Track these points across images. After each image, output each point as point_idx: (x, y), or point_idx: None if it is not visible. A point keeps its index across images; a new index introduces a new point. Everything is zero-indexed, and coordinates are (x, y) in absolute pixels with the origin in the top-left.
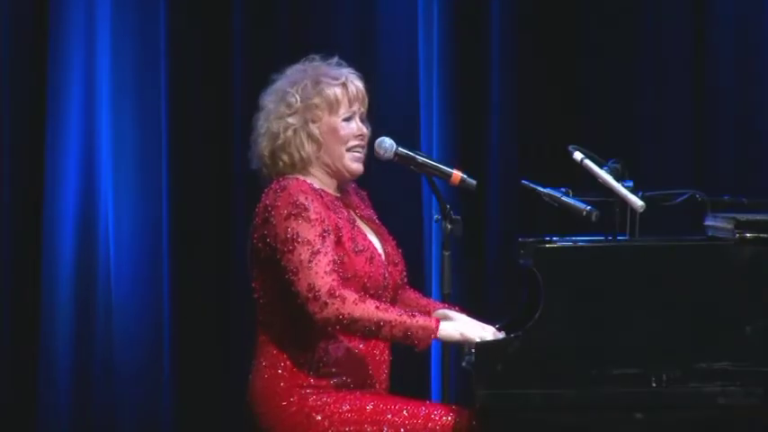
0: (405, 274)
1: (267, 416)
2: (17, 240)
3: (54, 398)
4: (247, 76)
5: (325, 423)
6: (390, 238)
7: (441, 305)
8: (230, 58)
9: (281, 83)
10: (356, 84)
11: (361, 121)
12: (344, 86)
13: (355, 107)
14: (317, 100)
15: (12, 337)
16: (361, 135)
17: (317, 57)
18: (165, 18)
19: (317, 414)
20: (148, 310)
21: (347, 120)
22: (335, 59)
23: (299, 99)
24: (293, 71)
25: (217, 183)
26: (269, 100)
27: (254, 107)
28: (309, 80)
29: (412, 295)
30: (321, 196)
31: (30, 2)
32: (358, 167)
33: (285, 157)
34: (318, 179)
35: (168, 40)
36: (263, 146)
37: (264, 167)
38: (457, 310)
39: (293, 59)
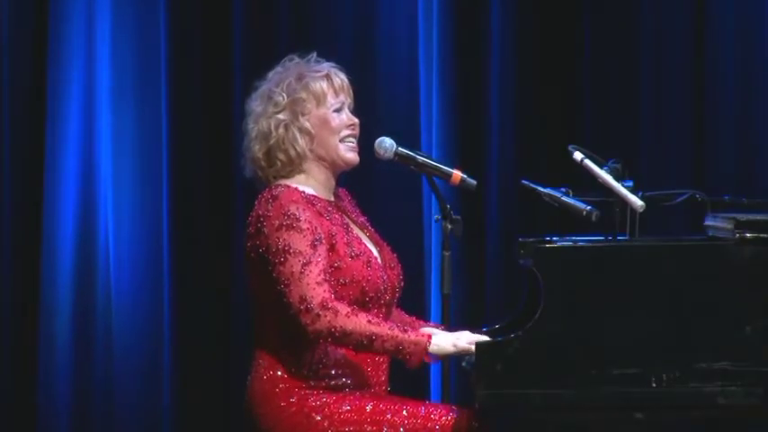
0: (402, 277)
1: (267, 417)
2: (17, 242)
3: (53, 401)
4: (248, 77)
5: (325, 423)
6: (385, 243)
7: (424, 324)
8: (230, 58)
9: (265, 86)
10: (340, 76)
11: (351, 112)
12: (328, 78)
13: (342, 97)
14: (303, 94)
15: (11, 339)
16: (352, 125)
17: (295, 56)
18: (165, 18)
19: (316, 414)
20: (148, 311)
21: (337, 111)
22: (314, 56)
23: (285, 96)
24: (274, 73)
25: (217, 183)
26: (255, 104)
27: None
28: (293, 77)
29: (395, 312)
30: (313, 204)
31: (30, 1)
32: (354, 157)
33: (281, 156)
34: (314, 178)
35: (168, 40)
36: (257, 148)
37: (260, 170)
38: (442, 329)
39: None
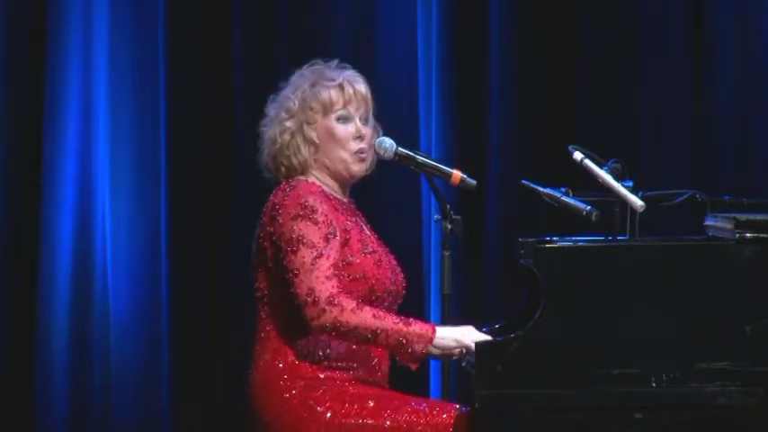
0: (405, 284)
1: (269, 408)
2: (15, 245)
3: (51, 403)
4: (247, 79)
5: (328, 415)
6: (388, 251)
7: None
8: (230, 59)
9: (284, 90)
10: (355, 86)
11: (364, 122)
12: (341, 88)
13: (352, 108)
14: (313, 103)
15: (8, 343)
16: (359, 137)
17: (319, 61)
18: (164, 19)
19: (319, 406)
20: (146, 313)
21: (344, 122)
22: (336, 62)
23: (296, 103)
24: (295, 77)
25: (216, 187)
26: (272, 108)
27: (253, 110)
28: (308, 84)
29: None
30: (330, 199)
31: (27, 3)
32: (358, 169)
33: (285, 162)
34: (322, 182)
35: (167, 41)
36: (266, 152)
37: (269, 172)
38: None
39: (293, 60)
